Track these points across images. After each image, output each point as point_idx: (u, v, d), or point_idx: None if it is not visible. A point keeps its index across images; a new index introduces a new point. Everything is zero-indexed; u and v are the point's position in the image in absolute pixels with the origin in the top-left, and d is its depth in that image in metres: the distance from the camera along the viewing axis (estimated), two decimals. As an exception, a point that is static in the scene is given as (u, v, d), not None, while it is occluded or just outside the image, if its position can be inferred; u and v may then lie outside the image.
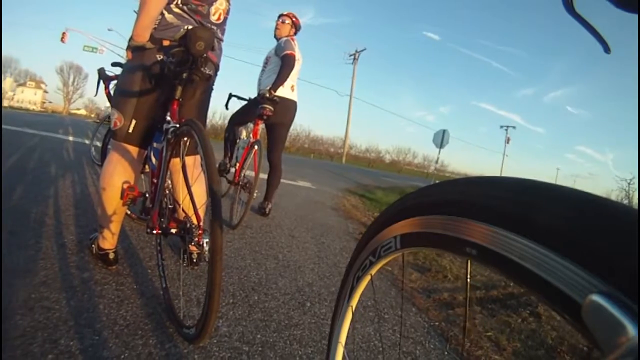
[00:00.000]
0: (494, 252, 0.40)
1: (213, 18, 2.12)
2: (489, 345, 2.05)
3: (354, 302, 0.77)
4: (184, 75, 1.89)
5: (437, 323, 2.23)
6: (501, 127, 57.92)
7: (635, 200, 13.35)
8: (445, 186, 0.53)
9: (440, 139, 16.01)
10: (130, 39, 1.95)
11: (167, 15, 1.97)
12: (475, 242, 0.43)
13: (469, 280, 0.58)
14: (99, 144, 4.59)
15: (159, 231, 1.80)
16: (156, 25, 1.97)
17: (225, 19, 2.22)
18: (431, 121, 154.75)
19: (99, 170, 4.87)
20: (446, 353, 1.93)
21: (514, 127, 57.68)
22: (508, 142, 55.63)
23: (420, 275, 3.03)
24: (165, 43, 1.97)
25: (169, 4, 1.97)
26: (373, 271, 0.70)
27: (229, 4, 2.22)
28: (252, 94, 4.29)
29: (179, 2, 1.99)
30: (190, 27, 1.98)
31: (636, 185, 13.03)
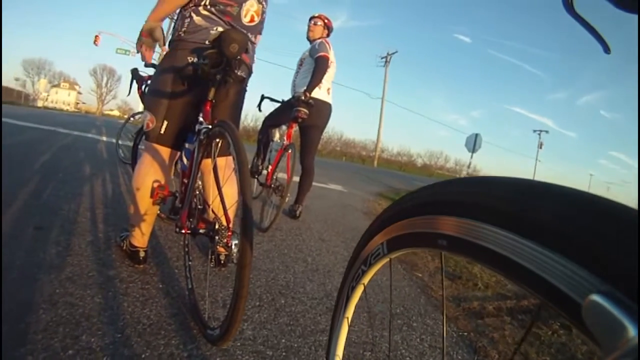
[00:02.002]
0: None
1: (245, 20, 2.09)
2: (517, 358, 1.96)
3: (349, 313, 0.78)
4: (218, 77, 1.88)
5: (465, 333, 2.15)
6: (534, 131, 57.13)
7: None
8: (429, 189, 0.54)
9: (473, 143, 15.83)
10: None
11: (195, 17, 1.98)
12: (448, 234, 0.46)
13: (443, 271, 0.58)
14: (128, 142, 4.62)
15: (188, 231, 1.80)
16: (185, 28, 1.98)
17: (260, 21, 2.18)
18: (463, 125, 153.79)
19: (128, 169, 4.93)
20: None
21: (547, 132, 56.77)
22: (541, 147, 54.73)
23: (450, 283, 2.94)
24: (195, 46, 1.98)
25: (197, 6, 1.98)
26: (365, 280, 0.71)
27: (263, 5, 2.19)
28: (285, 96, 4.27)
29: (207, 3, 1.98)
30: (219, 28, 1.99)
31: None
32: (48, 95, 79.80)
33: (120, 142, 5.79)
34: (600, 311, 0.27)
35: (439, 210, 0.49)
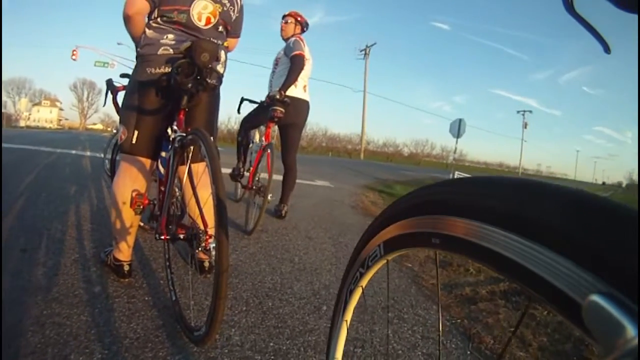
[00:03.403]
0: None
1: (200, 24, 2.11)
2: (513, 341, 1.97)
3: (348, 316, 0.78)
4: (190, 86, 1.91)
5: (459, 320, 2.15)
6: (518, 112, 58.08)
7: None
8: (423, 190, 0.55)
9: (457, 128, 15.85)
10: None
11: (148, 32, 2.07)
12: (442, 233, 0.47)
13: (438, 270, 0.65)
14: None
15: (167, 237, 1.82)
16: (142, 43, 2.08)
17: (216, 23, 2.18)
18: (447, 111, 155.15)
19: (109, 183, 4.91)
20: (469, 352, 1.86)
21: (530, 112, 57.91)
22: (526, 127, 55.75)
23: (441, 271, 2.96)
24: (151, 57, 2.05)
25: (148, 20, 2.08)
26: (364, 283, 0.72)
27: (224, 5, 2.18)
28: (264, 96, 4.25)
29: (155, 16, 2.06)
30: (169, 35, 2.06)
31: None
32: (30, 114, 78.71)
33: (108, 156, 5.78)
34: (600, 311, 0.27)
35: (435, 210, 0.49)
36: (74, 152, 9.81)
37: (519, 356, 1.84)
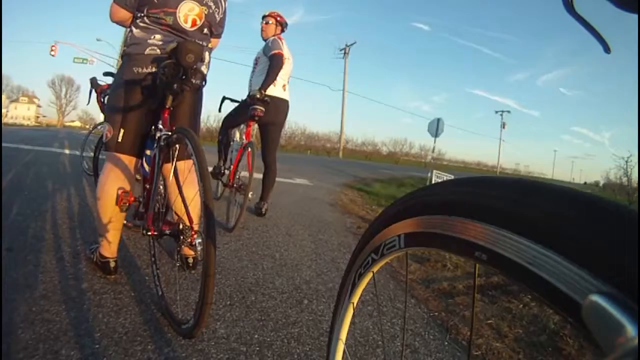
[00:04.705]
0: (497, 253, 0.39)
1: (186, 26, 2.16)
2: (490, 332, 2.05)
3: (355, 298, 0.77)
4: (175, 85, 1.95)
5: (437, 313, 2.24)
6: (496, 112, 58.88)
7: (635, 179, 13.40)
8: (450, 186, 0.52)
9: (435, 127, 15.91)
10: None
11: (135, 31, 2.10)
12: (478, 243, 0.43)
13: (476, 282, 0.54)
14: (92, 154, 4.57)
15: (155, 232, 1.88)
16: (128, 42, 2.11)
17: (202, 25, 2.23)
18: (426, 111, 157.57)
19: (92, 181, 4.89)
20: (446, 343, 1.93)
21: (508, 112, 59.01)
22: (504, 127, 56.54)
23: (419, 266, 3.04)
24: (138, 57, 2.08)
25: (136, 19, 2.10)
26: (375, 268, 0.69)
27: (209, 7, 2.23)
28: (245, 95, 4.29)
29: (143, 15, 2.09)
30: (157, 36, 2.09)
31: (635, 162, 13.05)
32: (7, 112, 77.40)
33: (84, 154, 5.73)
34: (600, 311, 0.28)
35: (481, 217, 0.43)
36: (52, 149, 9.67)
37: (495, 347, 1.91)
